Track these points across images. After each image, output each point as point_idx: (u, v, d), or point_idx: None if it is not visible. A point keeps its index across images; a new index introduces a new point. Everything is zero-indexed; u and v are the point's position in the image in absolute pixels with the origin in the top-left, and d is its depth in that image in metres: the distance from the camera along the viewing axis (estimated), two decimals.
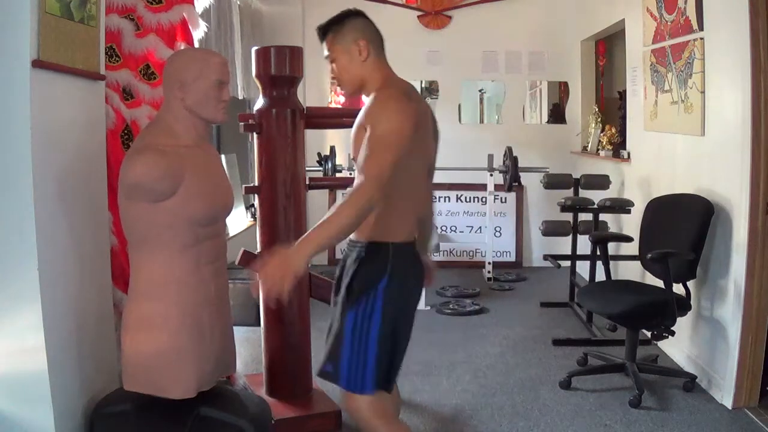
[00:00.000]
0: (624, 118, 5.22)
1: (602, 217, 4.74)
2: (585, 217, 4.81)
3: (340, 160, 5.60)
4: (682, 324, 3.35)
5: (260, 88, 3.03)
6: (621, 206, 4.50)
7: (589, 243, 4.12)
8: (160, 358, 2.09)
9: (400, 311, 2.02)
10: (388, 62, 2.09)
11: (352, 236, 1.99)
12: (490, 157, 5.67)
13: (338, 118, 3.80)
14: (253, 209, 4.93)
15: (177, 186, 2.04)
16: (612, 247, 4.50)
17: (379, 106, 1.92)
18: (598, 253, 3.86)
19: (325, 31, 2.07)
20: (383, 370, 1.99)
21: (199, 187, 2.10)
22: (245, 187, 3.12)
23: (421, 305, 4.82)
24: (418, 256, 2.09)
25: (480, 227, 6.23)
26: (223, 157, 4.18)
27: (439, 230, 6.06)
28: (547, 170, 5.36)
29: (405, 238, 2.03)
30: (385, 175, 1.82)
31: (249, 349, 3.90)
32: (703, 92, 3.44)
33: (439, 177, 6.57)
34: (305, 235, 1.81)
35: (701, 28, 3.44)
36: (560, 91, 6.33)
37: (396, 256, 1.99)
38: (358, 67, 2.02)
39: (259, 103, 3.01)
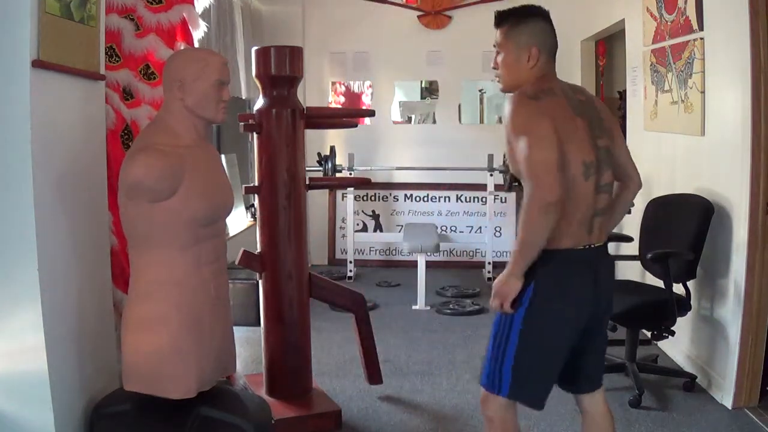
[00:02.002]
0: (624, 118, 5.21)
1: None
2: None
3: (340, 160, 5.61)
4: (682, 324, 3.35)
5: (260, 88, 3.03)
6: None
7: None
8: (160, 359, 2.10)
9: (544, 323, 1.92)
10: (554, 69, 2.03)
11: None
12: (490, 157, 5.67)
13: (338, 118, 3.81)
14: (253, 209, 4.93)
15: (177, 186, 2.04)
16: (612, 247, 4.48)
17: (512, 113, 1.88)
18: None
19: (504, 19, 2.00)
20: (521, 379, 1.94)
21: (200, 187, 2.10)
22: (245, 187, 3.12)
23: (421, 305, 4.84)
24: (583, 263, 1.94)
25: (480, 227, 6.23)
26: (223, 157, 4.18)
27: (439, 230, 6.07)
28: None
29: (559, 244, 1.90)
30: (544, 174, 1.77)
31: (249, 349, 3.90)
32: (703, 92, 3.44)
33: (439, 177, 6.62)
34: (511, 257, 1.89)
35: (701, 28, 3.44)
36: None
37: (544, 264, 1.89)
38: (522, 71, 1.97)
39: (259, 103, 3.01)
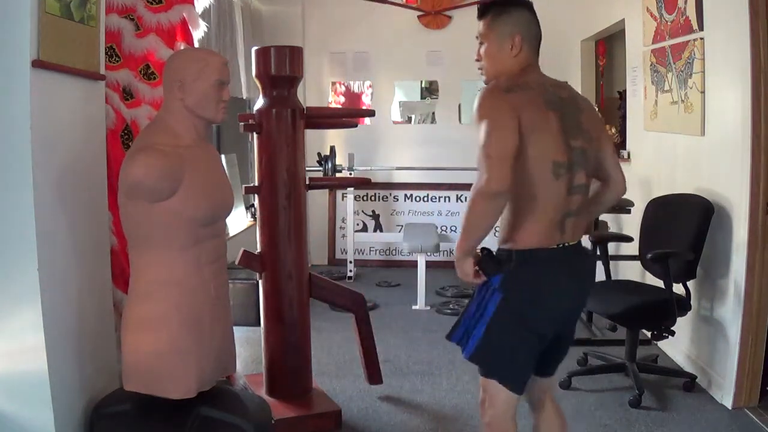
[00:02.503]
0: (624, 118, 5.21)
1: (602, 217, 4.73)
2: None
3: (340, 160, 5.61)
4: (682, 324, 3.35)
5: (260, 88, 3.03)
6: (621, 206, 4.49)
7: (589, 243, 4.11)
8: (160, 359, 2.10)
9: (514, 320, 1.93)
10: (536, 60, 2.00)
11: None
12: None
13: (338, 118, 3.81)
14: (253, 209, 4.93)
15: (177, 186, 2.04)
16: (612, 247, 4.49)
17: (479, 103, 1.88)
18: (598, 253, 3.86)
19: (486, 10, 1.99)
20: (485, 354, 1.97)
21: (199, 187, 2.10)
22: (245, 187, 3.12)
23: (421, 305, 4.84)
24: (555, 262, 1.93)
25: None
26: (223, 157, 4.18)
27: (439, 230, 6.06)
28: None
29: (529, 244, 1.90)
30: (497, 163, 1.76)
31: (249, 349, 3.90)
32: (703, 92, 3.44)
33: (439, 177, 6.61)
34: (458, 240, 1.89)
35: (701, 28, 3.44)
36: None
37: (519, 264, 1.90)
38: (505, 60, 1.95)
39: (259, 103, 3.01)
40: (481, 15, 2.00)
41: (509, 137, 1.79)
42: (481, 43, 2.01)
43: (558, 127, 1.87)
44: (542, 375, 2.14)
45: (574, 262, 1.99)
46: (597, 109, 2.11)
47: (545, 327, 1.97)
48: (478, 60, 2.03)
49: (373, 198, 6.38)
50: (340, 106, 6.39)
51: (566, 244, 1.94)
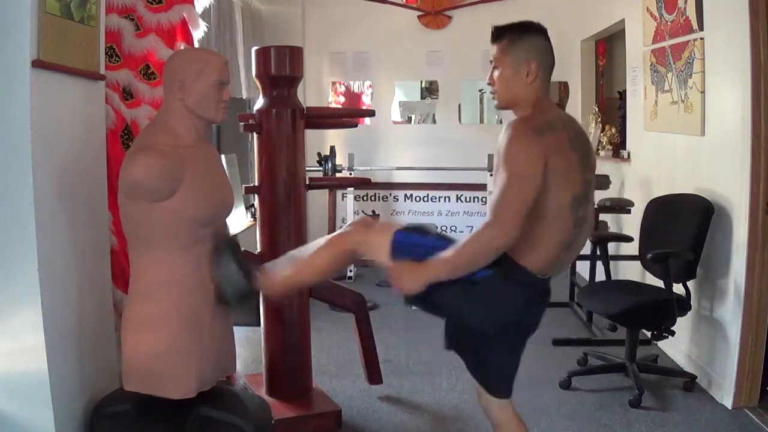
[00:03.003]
0: (624, 118, 5.21)
1: (602, 217, 4.74)
2: None
3: (340, 160, 5.61)
4: (682, 324, 3.35)
5: (260, 88, 3.03)
6: (621, 206, 4.50)
7: (589, 243, 4.11)
8: (159, 359, 2.09)
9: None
10: (548, 89, 1.99)
11: None
12: (490, 157, 5.65)
13: (338, 118, 3.81)
14: (253, 209, 4.92)
15: (177, 186, 2.04)
16: (612, 247, 4.50)
17: (509, 143, 1.82)
18: (598, 253, 3.86)
19: (501, 34, 1.95)
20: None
21: (199, 187, 2.10)
22: (245, 187, 3.12)
23: None
24: (541, 292, 1.97)
25: None
26: (223, 157, 4.18)
27: (439, 230, 6.06)
28: None
29: (533, 267, 1.90)
30: (510, 216, 1.76)
31: (249, 349, 3.90)
32: (703, 92, 3.44)
33: (439, 177, 6.61)
34: (434, 259, 1.84)
35: (701, 28, 3.44)
36: (560, 91, 6.33)
37: (508, 274, 1.89)
38: (519, 86, 1.92)
39: (259, 103, 3.01)
40: (496, 39, 1.95)
41: (532, 190, 1.78)
42: (494, 68, 1.96)
43: (578, 165, 1.88)
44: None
45: (547, 289, 2.03)
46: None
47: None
48: (490, 84, 1.99)
49: (373, 198, 6.38)
50: (340, 106, 6.40)
51: (548, 277, 1.97)
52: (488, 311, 1.93)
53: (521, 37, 1.93)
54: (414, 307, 2.10)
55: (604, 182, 4.86)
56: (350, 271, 5.78)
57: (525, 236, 1.82)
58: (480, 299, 1.90)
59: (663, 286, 3.14)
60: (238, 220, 5.29)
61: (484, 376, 2.16)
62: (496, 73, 1.96)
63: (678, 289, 3.24)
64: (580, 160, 1.88)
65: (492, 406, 2.19)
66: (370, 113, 3.75)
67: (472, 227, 6.30)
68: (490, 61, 1.98)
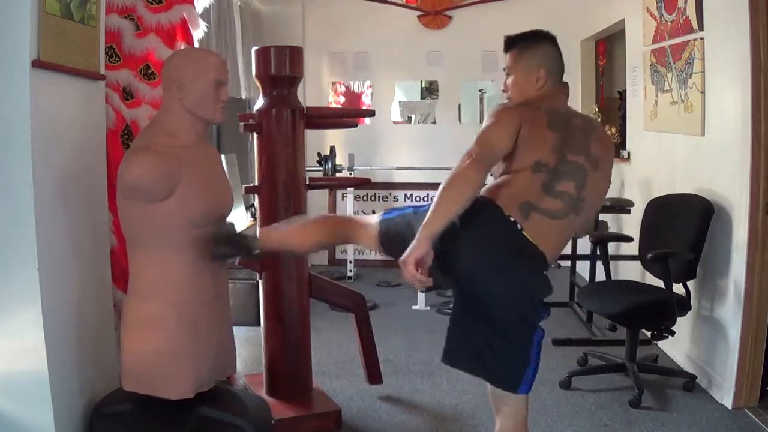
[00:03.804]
0: (624, 118, 5.21)
1: (602, 217, 4.73)
2: None
3: (340, 160, 5.61)
4: (682, 324, 3.35)
5: (260, 88, 3.03)
6: (621, 206, 4.50)
7: (589, 243, 4.12)
8: (157, 359, 2.10)
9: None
10: (560, 91, 2.15)
11: None
12: None
13: (338, 118, 3.81)
14: (253, 209, 4.92)
15: (174, 187, 2.04)
16: (612, 247, 4.50)
17: (494, 108, 2.05)
18: (598, 253, 3.86)
19: (513, 43, 2.11)
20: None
21: (198, 188, 2.10)
22: (245, 187, 3.12)
23: (421, 305, 4.84)
24: (509, 233, 1.94)
25: None
26: (223, 157, 4.18)
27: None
28: None
29: (506, 209, 1.95)
30: (483, 151, 1.91)
31: (249, 349, 3.90)
32: (703, 92, 3.44)
33: (439, 177, 6.58)
34: (424, 223, 1.86)
35: (701, 28, 3.44)
36: None
37: (487, 211, 1.94)
38: (530, 90, 2.07)
39: (259, 103, 3.01)
40: (508, 48, 2.11)
41: (505, 135, 1.95)
42: (507, 75, 2.13)
43: (553, 143, 1.97)
44: None
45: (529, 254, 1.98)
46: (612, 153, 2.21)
47: None
48: (505, 91, 2.15)
49: (373, 198, 6.38)
50: (340, 106, 6.40)
51: (522, 230, 1.93)
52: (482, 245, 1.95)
53: (530, 46, 2.09)
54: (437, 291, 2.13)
55: None
56: (350, 271, 5.78)
57: (499, 184, 2.01)
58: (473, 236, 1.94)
59: (663, 286, 3.14)
60: (238, 220, 5.30)
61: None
62: (509, 80, 2.12)
63: (678, 289, 3.24)
64: (558, 139, 1.98)
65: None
66: (370, 113, 3.75)
67: None
68: (504, 69, 2.15)
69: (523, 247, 1.93)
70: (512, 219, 1.93)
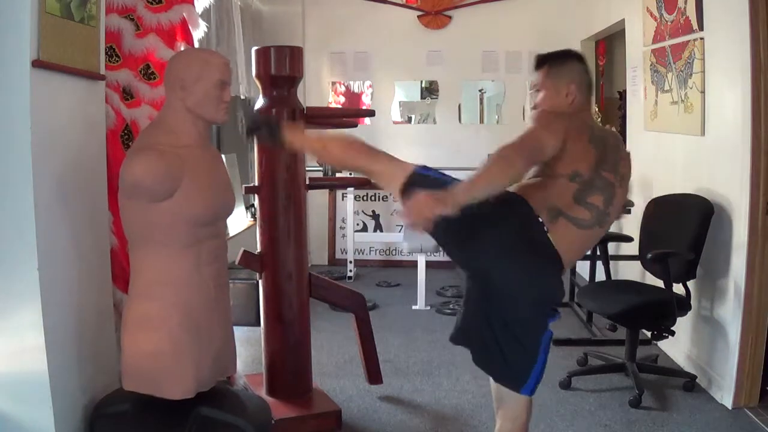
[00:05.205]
0: (624, 118, 5.22)
1: None
2: None
3: None
4: (682, 324, 3.35)
5: (260, 88, 3.03)
6: None
7: None
8: (158, 359, 2.09)
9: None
10: (590, 107, 2.23)
11: None
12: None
13: (338, 118, 3.80)
14: (253, 209, 4.92)
15: (176, 186, 2.04)
16: (612, 247, 4.49)
17: (539, 113, 2.12)
18: (598, 253, 3.86)
19: (544, 62, 2.16)
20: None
21: (199, 188, 2.10)
22: (245, 187, 3.12)
23: (421, 305, 4.84)
24: (537, 233, 1.97)
25: None
26: (223, 157, 4.18)
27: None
28: None
29: (536, 209, 1.99)
30: (523, 152, 1.90)
31: (249, 349, 3.90)
32: (703, 92, 3.44)
33: None
34: (460, 184, 1.85)
35: (701, 28, 3.44)
36: None
37: (518, 206, 1.98)
38: (562, 105, 2.12)
39: (259, 103, 3.01)
40: (539, 65, 2.17)
41: (553, 140, 1.96)
42: (537, 91, 2.18)
43: (593, 158, 2.03)
44: None
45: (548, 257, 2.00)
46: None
47: None
48: (534, 108, 2.19)
49: (373, 198, 6.38)
50: (340, 106, 6.39)
51: (548, 233, 1.97)
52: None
53: (561, 63, 2.15)
54: (432, 252, 2.14)
55: None
56: (350, 271, 5.78)
57: (533, 185, 2.03)
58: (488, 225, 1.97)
59: (663, 286, 3.14)
60: (238, 220, 5.30)
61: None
62: (539, 96, 2.17)
63: (678, 289, 3.24)
64: (597, 156, 2.04)
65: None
66: (370, 113, 3.75)
67: None
68: (534, 86, 2.20)
69: (546, 248, 1.97)
70: (540, 220, 1.97)
